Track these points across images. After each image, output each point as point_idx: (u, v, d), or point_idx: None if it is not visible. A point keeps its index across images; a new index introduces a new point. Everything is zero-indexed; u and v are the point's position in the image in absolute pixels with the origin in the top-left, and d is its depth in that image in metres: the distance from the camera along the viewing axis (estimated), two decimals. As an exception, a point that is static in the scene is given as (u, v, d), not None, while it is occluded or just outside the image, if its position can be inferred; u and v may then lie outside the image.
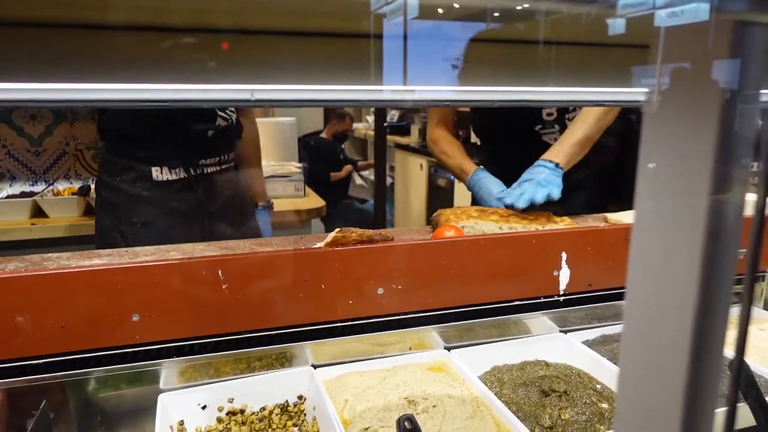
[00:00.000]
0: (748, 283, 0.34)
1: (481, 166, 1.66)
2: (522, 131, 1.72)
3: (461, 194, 3.97)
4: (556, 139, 1.63)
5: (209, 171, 1.60)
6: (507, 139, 1.77)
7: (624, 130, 1.96)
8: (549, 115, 1.69)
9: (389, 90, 0.53)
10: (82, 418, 0.89)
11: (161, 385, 0.91)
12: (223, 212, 1.65)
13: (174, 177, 1.53)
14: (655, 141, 0.31)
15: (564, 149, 1.51)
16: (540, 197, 1.39)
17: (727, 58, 0.29)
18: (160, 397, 0.88)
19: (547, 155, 1.52)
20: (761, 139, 0.30)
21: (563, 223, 1.34)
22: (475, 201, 1.65)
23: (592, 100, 0.61)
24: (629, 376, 0.33)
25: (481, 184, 1.60)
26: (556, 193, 1.41)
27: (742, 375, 0.83)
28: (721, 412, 0.32)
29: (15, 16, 0.44)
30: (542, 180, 1.43)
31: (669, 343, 0.31)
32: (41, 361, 0.84)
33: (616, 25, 0.54)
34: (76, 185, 2.60)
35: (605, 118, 1.57)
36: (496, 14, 0.58)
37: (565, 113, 1.67)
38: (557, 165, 1.48)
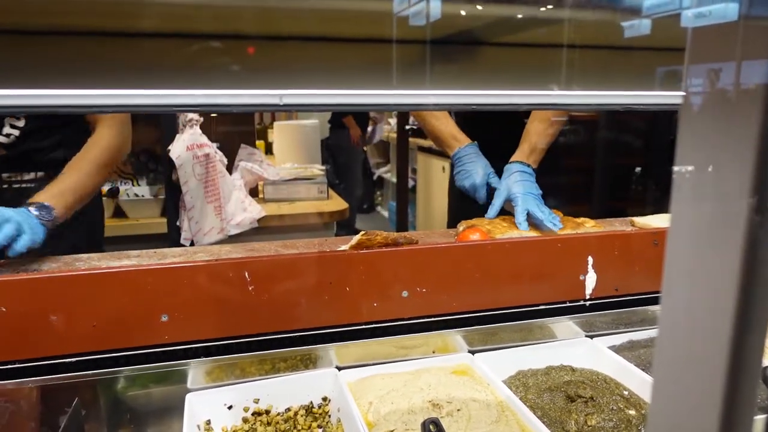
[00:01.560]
0: None
1: (474, 142, 1.56)
2: (510, 120, 1.65)
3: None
4: None
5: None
6: (491, 126, 1.66)
7: (644, 133, 1.91)
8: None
9: (412, 94, 0.54)
10: (112, 415, 0.91)
11: (189, 385, 0.93)
12: None
13: None
14: (691, 144, 0.30)
15: (535, 154, 1.47)
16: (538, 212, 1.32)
17: (764, 58, 0.29)
18: (188, 397, 0.89)
19: (521, 157, 1.46)
20: None
21: (589, 225, 1.32)
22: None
23: (618, 104, 0.60)
24: (664, 383, 0.33)
25: (472, 159, 1.51)
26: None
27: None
28: (760, 419, 0.31)
29: (48, 24, 0.45)
30: (532, 193, 1.38)
31: (705, 350, 0.30)
32: (73, 359, 0.86)
33: (642, 27, 0.53)
34: (105, 187, 2.65)
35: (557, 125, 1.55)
36: (520, 16, 0.58)
37: None
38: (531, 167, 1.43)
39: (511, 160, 1.45)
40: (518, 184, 1.37)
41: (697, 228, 0.30)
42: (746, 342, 0.29)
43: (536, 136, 1.49)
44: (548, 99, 0.57)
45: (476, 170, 1.47)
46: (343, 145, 4.74)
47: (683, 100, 0.30)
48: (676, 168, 0.31)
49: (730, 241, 0.28)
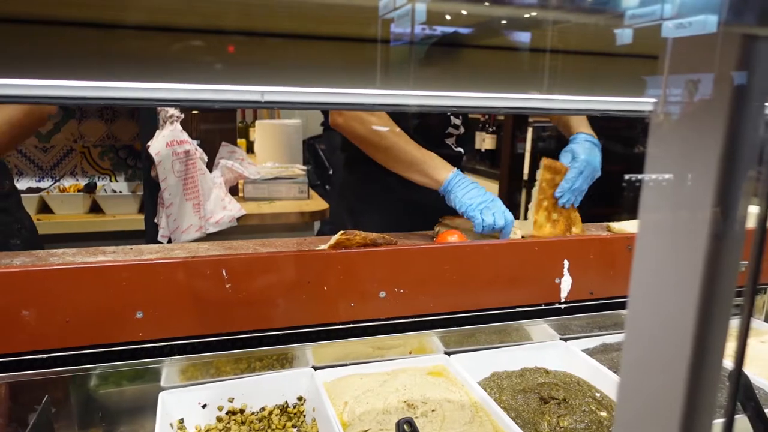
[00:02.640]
0: (749, 295, 0.34)
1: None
2: (432, 134, 1.57)
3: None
4: (454, 144, 1.60)
5: None
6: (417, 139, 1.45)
7: (632, 140, 1.94)
8: (455, 127, 1.61)
9: (395, 94, 0.54)
10: (84, 413, 0.90)
11: (162, 383, 0.92)
12: None
13: None
14: (660, 152, 0.31)
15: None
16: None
17: (733, 71, 0.30)
18: (161, 395, 0.88)
19: (585, 129, 1.48)
20: (765, 152, 0.30)
21: (575, 228, 1.34)
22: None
23: (598, 109, 0.62)
24: (629, 385, 0.34)
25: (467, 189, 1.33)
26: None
27: (740, 386, 0.83)
28: (719, 423, 0.32)
29: (27, 12, 0.44)
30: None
31: (669, 353, 0.31)
32: (45, 355, 0.85)
33: (624, 36, 0.55)
34: (82, 182, 2.61)
35: None
36: (504, 22, 0.59)
37: (475, 125, 1.63)
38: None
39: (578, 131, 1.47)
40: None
41: (663, 235, 0.31)
42: (708, 345, 0.30)
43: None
44: (529, 103, 0.58)
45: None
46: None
47: (652, 109, 0.31)
48: (645, 176, 0.32)
49: (693, 248, 0.29)
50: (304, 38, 0.53)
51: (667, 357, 0.32)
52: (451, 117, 1.58)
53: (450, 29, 0.55)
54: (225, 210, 2.09)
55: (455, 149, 1.63)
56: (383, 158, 1.40)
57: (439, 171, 1.33)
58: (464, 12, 0.57)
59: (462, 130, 1.63)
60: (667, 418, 0.32)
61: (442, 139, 1.60)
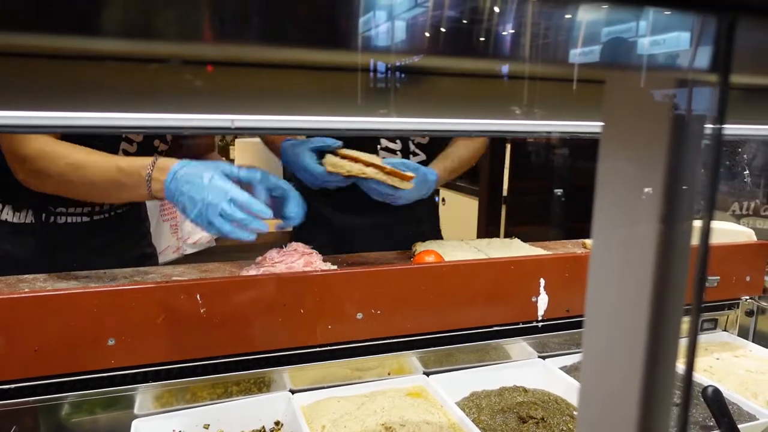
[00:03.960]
0: (695, 309, 0.34)
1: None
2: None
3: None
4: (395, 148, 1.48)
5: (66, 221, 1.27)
6: None
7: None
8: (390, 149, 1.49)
9: (372, 120, 0.55)
10: (54, 444, 0.88)
11: (136, 411, 0.90)
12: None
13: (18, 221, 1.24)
14: (608, 171, 0.32)
15: (446, 164, 1.40)
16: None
17: (672, 88, 0.31)
18: (134, 423, 0.87)
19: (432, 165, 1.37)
20: (709, 168, 0.31)
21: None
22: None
23: (561, 132, 0.63)
24: (588, 397, 0.34)
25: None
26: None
27: (714, 403, 0.84)
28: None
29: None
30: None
31: (623, 364, 0.32)
32: (13, 385, 0.83)
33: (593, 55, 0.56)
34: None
35: (482, 149, 1.50)
36: (480, 47, 0.60)
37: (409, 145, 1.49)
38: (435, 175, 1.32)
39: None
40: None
41: (613, 252, 0.32)
42: (660, 357, 0.31)
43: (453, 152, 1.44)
44: (498, 127, 0.59)
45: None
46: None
47: (602, 129, 0.32)
48: (596, 194, 0.33)
49: (642, 263, 0.30)
50: (276, 67, 0.53)
51: (622, 367, 0.33)
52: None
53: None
54: (203, 231, 2.07)
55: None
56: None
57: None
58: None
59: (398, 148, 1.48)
60: (624, 423, 0.33)
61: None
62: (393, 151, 1.49)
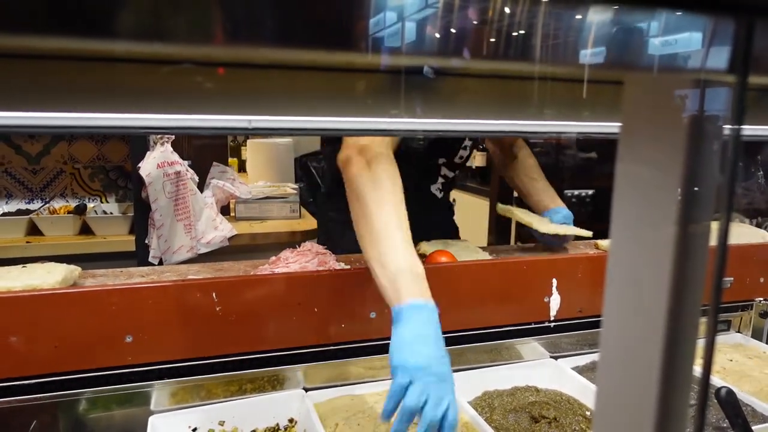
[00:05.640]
0: (713, 311, 0.35)
1: None
2: (426, 161, 1.44)
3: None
4: (450, 176, 1.49)
5: None
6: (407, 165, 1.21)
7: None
8: (460, 157, 1.49)
9: (377, 121, 0.55)
10: (72, 439, 0.89)
11: (152, 407, 0.91)
12: None
13: None
14: (626, 172, 0.33)
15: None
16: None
17: (689, 89, 0.31)
18: (151, 419, 0.88)
19: (557, 204, 1.46)
20: (726, 170, 0.31)
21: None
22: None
23: (579, 132, 0.63)
24: (605, 398, 0.35)
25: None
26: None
27: (728, 404, 0.84)
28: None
29: (23, 47, 0.45)
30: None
31: (641, 365, 0.32)
32: (33, 381, 0.84)
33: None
34: (72, 204, 2.61)
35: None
36: (492, 47, 0.60)
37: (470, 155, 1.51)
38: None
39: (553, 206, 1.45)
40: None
41: (632, 253, 0.32)
42: (677, 358, 0.31)
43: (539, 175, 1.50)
44: (515, 127, 0.60)
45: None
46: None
47: (620, 131, 0.32)
48: (614, 194, 0.33)
49: (660, 264, 0.30)
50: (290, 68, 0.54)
51: (639, 368, 0.33)
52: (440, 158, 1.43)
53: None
54: (216, 230, 2.09)
55: (440, 195, 1.48)
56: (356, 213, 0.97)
57: (407, 285, 0.87)
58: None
59: (452, 175, 1.50)
60: (641, 424, 0.33)
61: (429, 178, 1.46)
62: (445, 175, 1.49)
